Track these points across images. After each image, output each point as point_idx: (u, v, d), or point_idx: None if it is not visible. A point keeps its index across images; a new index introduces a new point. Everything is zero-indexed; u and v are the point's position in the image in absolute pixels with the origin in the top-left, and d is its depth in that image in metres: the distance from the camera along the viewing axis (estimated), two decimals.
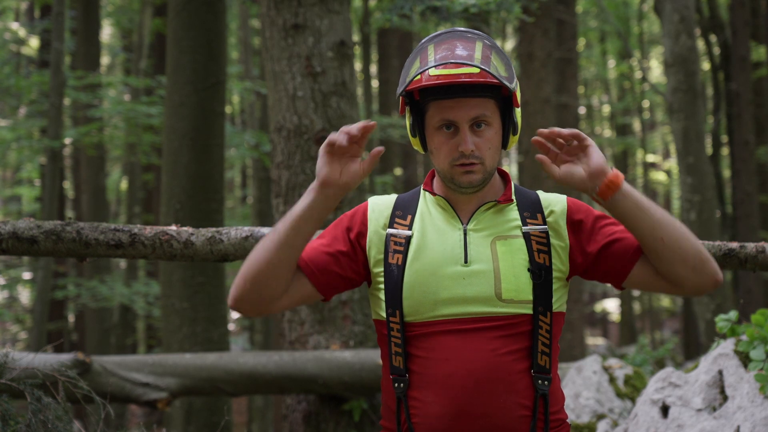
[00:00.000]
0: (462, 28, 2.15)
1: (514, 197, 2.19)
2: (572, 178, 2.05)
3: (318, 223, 2.07)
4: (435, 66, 2.02)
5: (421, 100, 2.13)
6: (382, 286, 2.15)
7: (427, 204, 2.20)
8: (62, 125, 9.71)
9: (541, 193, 2.22)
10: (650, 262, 2.09)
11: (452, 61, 2.02)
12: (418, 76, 2.05)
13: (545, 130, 2.06)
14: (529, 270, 2.10)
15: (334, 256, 2.15)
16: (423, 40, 2.15)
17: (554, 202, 2.18)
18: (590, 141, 2.04)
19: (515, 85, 2.09)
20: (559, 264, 2.13)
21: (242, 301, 2.10)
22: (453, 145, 2.09)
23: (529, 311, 2.09)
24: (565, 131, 2.05)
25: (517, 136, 2.18)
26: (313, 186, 2.06)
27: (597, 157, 2.03)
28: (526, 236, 2.13)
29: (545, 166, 2.06)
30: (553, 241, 2.14)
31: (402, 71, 2.15)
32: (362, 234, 2.18)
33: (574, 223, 2.15)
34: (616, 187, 2.02)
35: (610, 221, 2.15)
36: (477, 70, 2.02)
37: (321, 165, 2.05)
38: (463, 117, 2.07)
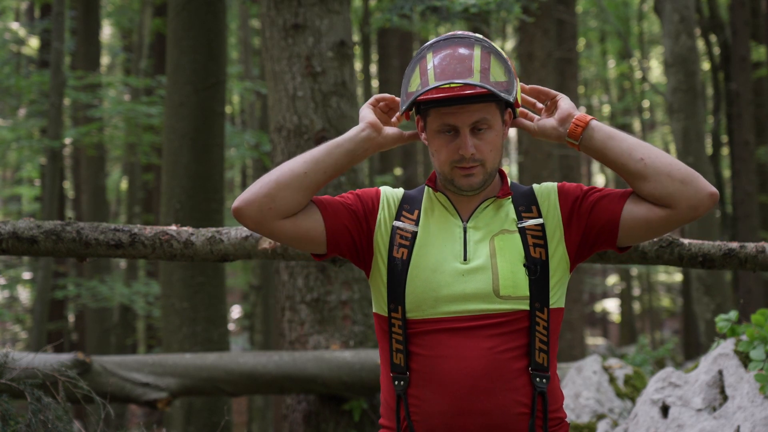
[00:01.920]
0: (460, 33, 2.16)
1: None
2: (545, 127, 2.16)
3: (348, 158, 2.15)
4: (435, 85, 2.04)
5: (422, 107, 2.15)
6: (385, 279, 2.16)
7: (430, 200, 2.22)
8: (62, 125, 9.71)
9: (535, 186, 2.24)
10: (640, 196, 2.10)
11: (452, 80, 2.04)
12: (420, 92, 2.07)
13: (527, 87, 2.22)
14: (524, 265, 2.11)
15: (349, 211, 2.19)
16: (422, 47, 2.16)
17: (547, 190, 2.21)
18: (561, 95, 2.19)
19: (515, 93, 2.12)
20: (559, 254, 2.15)
21: (251, 204, 2.10)
22: (454, 147, 2.10)
23: (526, 307, 2.10)
24: (543, 89, 2.21)
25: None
26: (357, 127, 2.17)
27: (565, 104, 2.16)
28: (522, 231, 2.15)
29: (520, 124, 2.20)
30: (549, 231, 2.15)
31: (403, 79, 2.18)
32: (373, 213, 2.21)
33: (566, 201, 2.17)
34: (585, 124, 2.11)
35: (597, 189, 2.19)
36: (477, 81, 2.04)
37: (367, 112, 2.19)
38: (464, 121, 2.08)
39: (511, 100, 2.10)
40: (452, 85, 2.04)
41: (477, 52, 2.09)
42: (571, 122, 2.12)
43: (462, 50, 2.09)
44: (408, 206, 2.22)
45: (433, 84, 2.05)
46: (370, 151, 2.18)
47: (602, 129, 2.12)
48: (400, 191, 2.26)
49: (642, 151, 2.09)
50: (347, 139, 2.16)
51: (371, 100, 2.21)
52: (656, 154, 2.08)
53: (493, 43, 2.14)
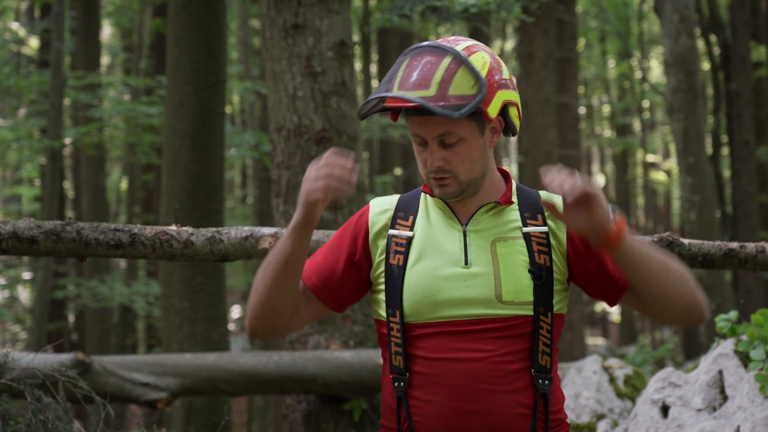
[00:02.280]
0: (440, 41, 2.10)
1: (515, 198, 2.18)
2: (576, 225, 2.00)
3: (311, 234, 2.08)
4: (380, 95, 2.03)
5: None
6: (382, 287, 2.15)
7: (427, 205, 2.20)
8: (62, 125, 9.71)
9: (543, 193, 2.18)
10: None
11: (406, 94, 1.98)
12: (366, 101, 2.08)
13: (555, 184, 1.96)
14: (529, 271, 2.10)
15: (341, 272, 2.17)
16: (404, 51, 2.13)
17: (555, 203, 2.17)
18: (593, 192, 1.94)
19: (474, 105, 2.00)
20: (559, 265, 2.13)
21: (258, 330, 2.18)
22: (425, 158, 2.10)
23: (530, 312, 2.09)
24: (568, 191, 1.94)
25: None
26: (301, 203, 2.03)
27: (598, 212, 1.96)
28: (527, 237, 2.12)
29: (552, 211, 2.02)
30: (552, 241, 2.14)
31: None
32: (365, 240, 2.19)
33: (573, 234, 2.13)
34: (614, 248, 2.00)
35: None
36: (431, 94, 1.98)
37: (312, 190, 2.00)
38: (430, 134, 2.06)
39: (457, 117, 1.98)
40: (405, 96, 2.00)
41: (444, 63, 2.03)
42: (603, 236, 1.99)
43: (431, 60, 2.04)
44: (402, 213, 2.19)
45: (394, 86, 2.03)
46: (320, 213, 2.06)
47: (632, 253, 2.01)
48: (394, 199, 2.24)
49: (662, 284, 2.04)
50: (293, 242, 2.05)
51: (325, 174, 1.99)
52: (670, 286, 2.05)
53: (470, 57, 2.04)
